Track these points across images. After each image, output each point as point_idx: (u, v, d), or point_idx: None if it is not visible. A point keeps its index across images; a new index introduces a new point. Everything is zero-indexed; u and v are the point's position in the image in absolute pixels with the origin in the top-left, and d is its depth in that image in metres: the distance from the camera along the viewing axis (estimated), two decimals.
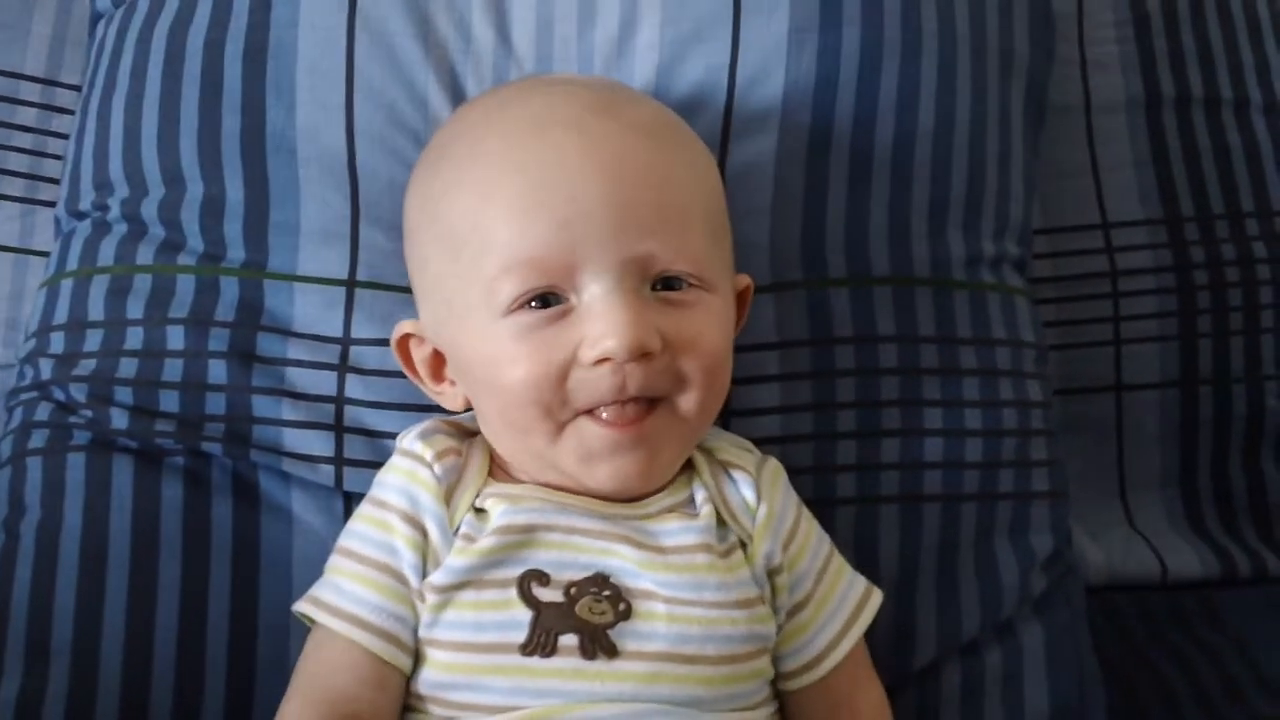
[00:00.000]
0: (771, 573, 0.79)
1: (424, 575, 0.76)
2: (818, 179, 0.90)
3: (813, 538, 0.82)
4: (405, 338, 0.83)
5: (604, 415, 0.75)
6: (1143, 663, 1.04)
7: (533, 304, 0.75)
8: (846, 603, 0.81)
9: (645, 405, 0.75)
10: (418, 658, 0.76)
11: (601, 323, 0.74)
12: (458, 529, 0.77)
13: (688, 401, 0.76)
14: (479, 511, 0.78)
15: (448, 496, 0.77)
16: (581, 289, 0.75)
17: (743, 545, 0.79)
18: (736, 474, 0.81)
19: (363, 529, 0.79)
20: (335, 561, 0.79)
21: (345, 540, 0.79)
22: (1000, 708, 0.90)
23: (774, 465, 0.83)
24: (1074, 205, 1.13)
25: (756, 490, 0.80)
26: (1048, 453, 0.95)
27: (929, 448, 0.91)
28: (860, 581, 0.83)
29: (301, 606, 0.78)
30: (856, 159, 0.90)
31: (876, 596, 0.83)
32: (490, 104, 0.82)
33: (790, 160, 0.90)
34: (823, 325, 0.90)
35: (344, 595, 0.77)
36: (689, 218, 0.77)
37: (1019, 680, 0.91)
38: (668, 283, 0.76)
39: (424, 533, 0.77)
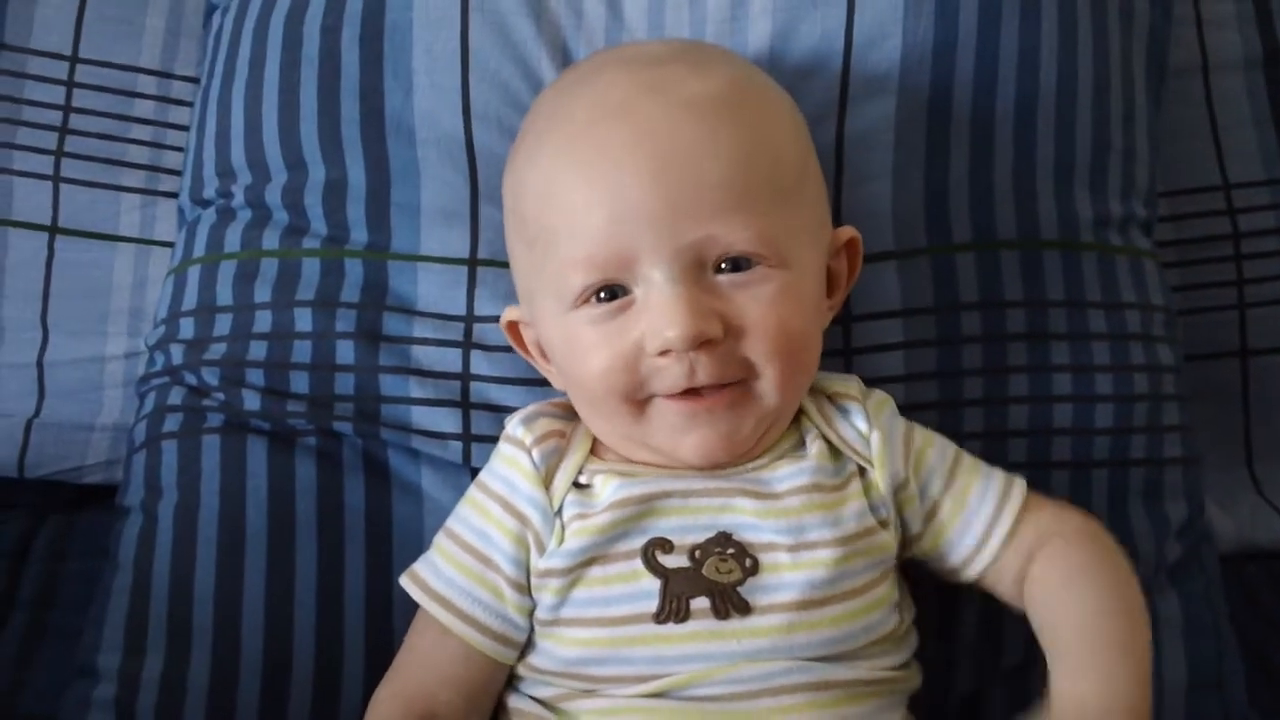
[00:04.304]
0: (898, 490, 0.78)
1: (525, 564, 0.77)
2: (939, 142, 0.89)
3: (935, 441, 0.81)
4: (513, 322, 0.83)
5: (677, 401, 0.75)
6: (1277, 632, 1.02)
7: (600, 295, 0.75)
8: (990, 491, 0.79)
9: (719, 387, 0.75)
10: (529, 641, 0.77)
11: (659, 314, 0.74)
12: (560, 509, 0.77)
13: (763, 385, 0.76)
14: (581, 487, 0.78)
15: (548, 480, 0.78)
16: (642, 279, 0.75)
17: (862, 471, 0.78)
18: (846, 403, 0.80)
19: (466, 512, 0.80)
20: (439, 539, 0.80)
21: (450, 521, 0.81)
22: None
23: (880, 394, 0.82)
24: (1194, 167, 1.10)
25: (867, 418, 0.79)
26: (1180, 418, 0.93)
27: (1058, 414, 0.89)
28: (998, 473, 0.81)
29: (403, 580, 0.80)
30: (978, 120, 0.89)
31: (1020, 482, 0.80)
32: (561, 88, 0.82)
33: (910, 124, 0.88)
34: (948, 291, 0.89)
35: (439, 576, 0.79)
36: (750, 194, 0.75)
37: (1156, 650, 0.88)
38: (735, 263, 0.75)
39: (523, 520, 0.78)
